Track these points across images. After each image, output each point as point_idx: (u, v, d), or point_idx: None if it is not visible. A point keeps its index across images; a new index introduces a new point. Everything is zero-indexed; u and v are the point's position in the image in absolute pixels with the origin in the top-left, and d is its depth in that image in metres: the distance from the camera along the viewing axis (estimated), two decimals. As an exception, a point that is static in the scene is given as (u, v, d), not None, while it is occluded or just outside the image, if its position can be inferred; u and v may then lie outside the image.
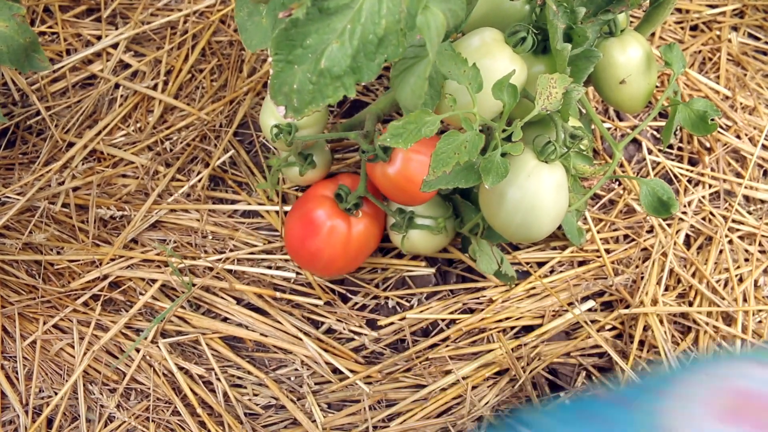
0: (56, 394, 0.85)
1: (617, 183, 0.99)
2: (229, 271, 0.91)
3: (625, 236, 0.96)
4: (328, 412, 0.85)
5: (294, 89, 0.53)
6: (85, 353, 0.87)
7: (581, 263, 0.93)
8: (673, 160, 1.02)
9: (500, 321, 0.89)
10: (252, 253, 0.92)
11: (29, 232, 0.93)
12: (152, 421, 0.84)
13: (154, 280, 0.91)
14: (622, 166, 1.01)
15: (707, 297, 0.91)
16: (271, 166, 0.85)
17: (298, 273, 0.91)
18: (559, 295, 0.91)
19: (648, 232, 0.95)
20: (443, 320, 0.90)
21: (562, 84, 0.60)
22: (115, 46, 1.06)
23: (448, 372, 0.86)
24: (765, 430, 0.52)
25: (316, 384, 0.87)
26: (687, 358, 0.88)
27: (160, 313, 0.89)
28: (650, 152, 1.01)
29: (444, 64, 0.59)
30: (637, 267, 0.93)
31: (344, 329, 0.89)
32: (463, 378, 0.86)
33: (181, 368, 0.87)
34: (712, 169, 1.01)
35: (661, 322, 0.89)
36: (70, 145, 0.99)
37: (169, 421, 0.84)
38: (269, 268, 0.91)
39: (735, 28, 1.12)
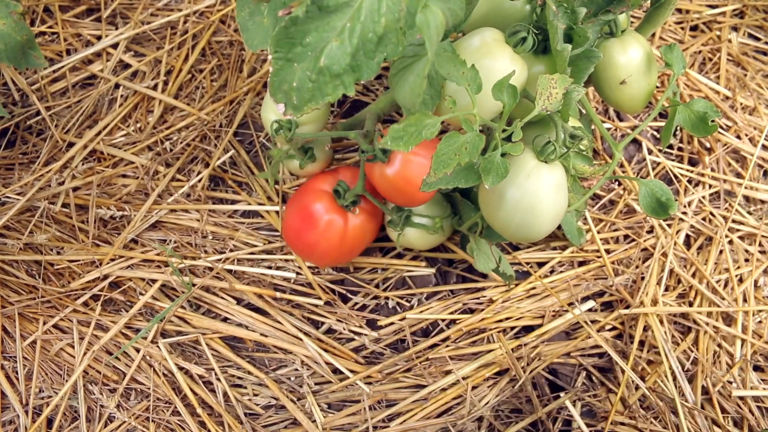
0: (56, 394, 0.85)
1: (617, 183, 0.99)
2: (229, 271, 0.91)
3: (626, 236, 0.96)
4: (328, 412, 0.85)
5: (293, 87, 0.53)
6: (85, 353, 0.87)
7: (581, 263, 0.93)
8: (673, 160, 1.02)
9: (500, 321, 0.89)
10: (252, 253, 0.92)
11: (29, 232, 0.93)
12: (152, 421, 0.84)
13: (154, 280, 0.91)
14: (622, 166, 1.01)
15: (707, 297, 0.91)
16: (272, 157, 0.85)
17: (298, 273, 0.91)
18: (559, 295, 0.90)
19: (648, 232, 0.95)
20: (443, 320, 0.90)
21: (563, 84, 0.60)
22: (115, 46, 1.06)
23: (448, 372, 0.86)
24: None
25: (316, 384, 0.87)
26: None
27: (160, 313, 0.89)
28: (650, 152, 1.01)
29: (443, 65, 0.59)
30: (637, 267, 0.93)
31: (344, 329, 0.89)
32: (463, 378, 0.86)
33: (181, 368, 0.87)
34: (712, 170, 1.01)
35: (661, 322, 0.89)
36: (70, 145, 0.99)
37: (169, 421, 0.84)
38: (269, 268, 0.91)
39: (735, 29, 1.12)
